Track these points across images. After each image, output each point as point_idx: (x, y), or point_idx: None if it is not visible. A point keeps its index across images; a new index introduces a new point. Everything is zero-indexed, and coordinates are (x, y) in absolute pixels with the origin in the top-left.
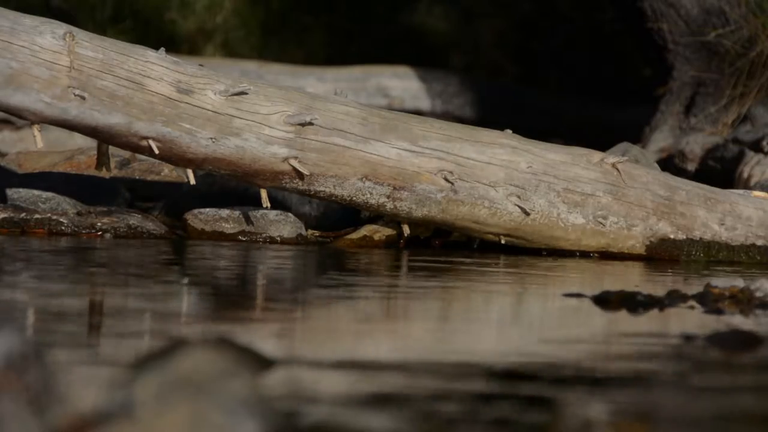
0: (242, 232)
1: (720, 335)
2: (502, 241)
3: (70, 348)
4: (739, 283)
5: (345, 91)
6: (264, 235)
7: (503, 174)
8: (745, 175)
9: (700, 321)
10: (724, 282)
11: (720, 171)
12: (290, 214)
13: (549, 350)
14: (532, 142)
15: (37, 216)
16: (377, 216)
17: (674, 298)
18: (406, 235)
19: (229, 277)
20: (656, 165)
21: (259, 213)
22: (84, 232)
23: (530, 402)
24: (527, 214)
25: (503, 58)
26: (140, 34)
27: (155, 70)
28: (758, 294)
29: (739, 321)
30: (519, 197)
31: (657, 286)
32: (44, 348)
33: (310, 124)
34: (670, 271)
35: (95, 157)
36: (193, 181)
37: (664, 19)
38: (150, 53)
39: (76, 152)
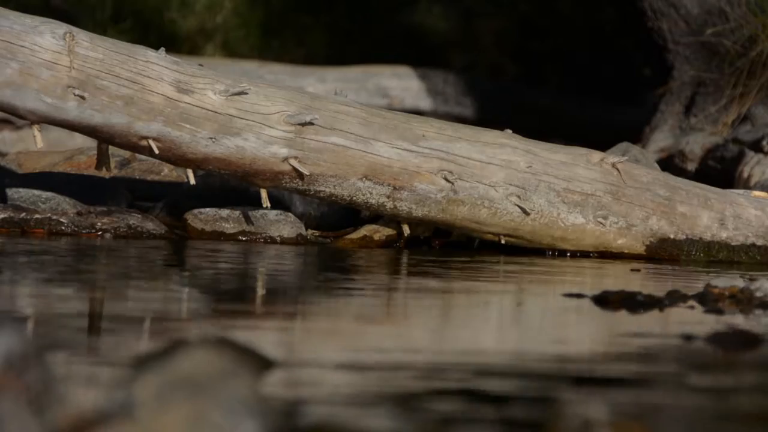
0: (242, 232)
1: (720, 335)
2: (502, 241)
3: (70, 348)
4: (739, 283)
5: (345, 91)
6: (264, 235)
7: (503, 174)
8: (745, 175)
9: (700, 321)
10: (724, 282)
11: (720, 171)
12: (290, 214)
13: (549, 350)
14: (532, 142)
15: (37, 216)
16: (377, 216)
17: (674, 298)
18: (406, 235)
19: (230, 277)
20: (656, 165)
21: (259, 213)
22: (84, 232)
23: (530, 402)
24: (527, 214)
25: (503, 58)
26: (140, 34)
27: (155, 70)
28: (758, 294)
29: (739, 321)
30: (519, 197)
31: (657, 286)
32: (44, 348)
33: (310, 124)
34: (670, 271)
35: (95, 157)
36: (193, 181)
37: (664, 18)
38: (150, 53)
39: (76, 152)
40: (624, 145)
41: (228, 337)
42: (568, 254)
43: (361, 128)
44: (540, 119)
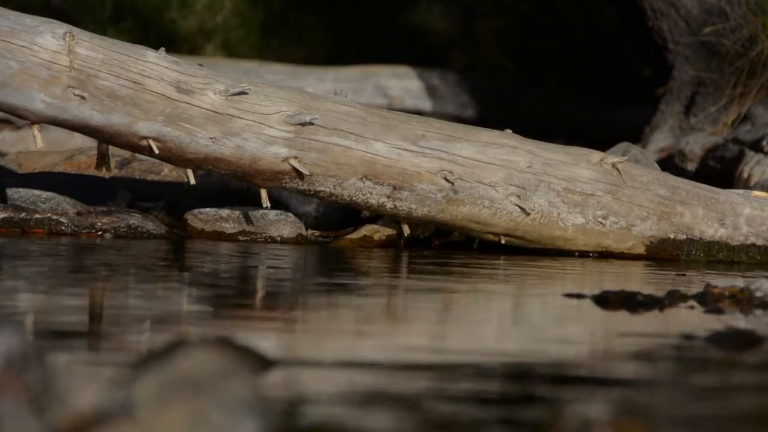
0: (242, 232)
1: (720, 335)
2: (502, 241)
3: (70, 348)
4: (739, 283)
5: (345, 91)
6: (264, 235)
7: (503, 174)
8: (745, 175)
9: (700, 321)
10: (724, 282)
11: (720, 171)
12: (290, 214)
13: (549, 350)
14: (532, 142)
15: (37, 216)
16: (377, 216)
17: (674, 298)
18: (406, 235)
19: (230, 277)
20: (656, 165)
21: (259, 213)
22: (84, 232)
23: (530, 402)
24: (527, 213)
25: (503, 58)
26: (140, 33)
27: (155, 69)
28: (758, 294)
29: (739, 321)
30: (519, 197)
31: (657, 286)
32: (44, 348)
33: (310, 123)
34: (670, 271)
35: (95, 157)
36: (193, 181)
37: (664, 18)
38: (150, 53)
39: (76, 152)
40: (624, 145)
41: (228, 337)
42: (576, 254)
43: (361, 128)
44: (540, 119)
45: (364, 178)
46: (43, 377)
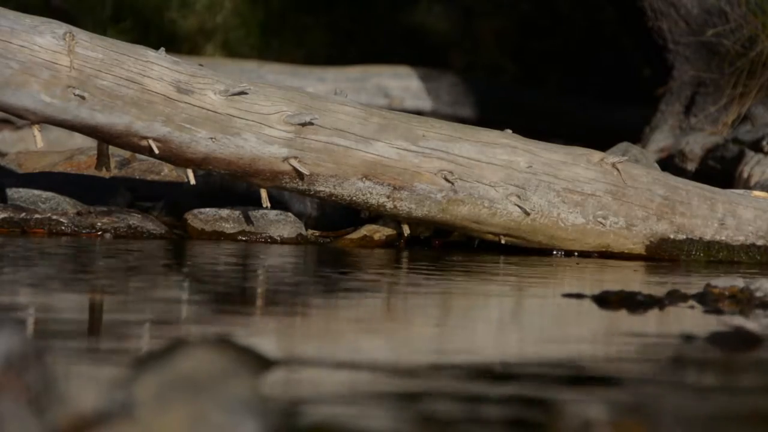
0: (242, 232)
1: (720, 335)
2: (502, 241)
3: (70, 348)
4: (739, 283)
5: (345, 91)
6: (264, 235)
7: (503, 174)
8: (745, 175)
9: (700, 321)
10: (724, 282)
11: (720, 171)
12: (290, 214)
13: (549, 350)
14: (532, 142)
15: (37, 216)
16: (377, 216)
17: (674, 298)
18: (406, 234)
19: (229, 277)
20: (656, 165)
21: (259, 213)
22: (84, 232)
23: (530, 402)
24: (527, 213)
25: (503, 58)
26: (140, 33)
27: (155, 69)
28: (758, 294)
29: (739, 321)
30: (519, 197)
31: (657, 286)
32: (44, 348)
33: (310, 123)
34: (670, 271)
35: (95, 157)
36: (193, 181)
37: (664, 18)
38: (150, 53)
39: (76, 152)
40: (624, 145)
41: (228, 337)
42: (576, 254)
43: (361, 128)
44: (540, 119)
45: (364, 178)
46: (43, 377)
